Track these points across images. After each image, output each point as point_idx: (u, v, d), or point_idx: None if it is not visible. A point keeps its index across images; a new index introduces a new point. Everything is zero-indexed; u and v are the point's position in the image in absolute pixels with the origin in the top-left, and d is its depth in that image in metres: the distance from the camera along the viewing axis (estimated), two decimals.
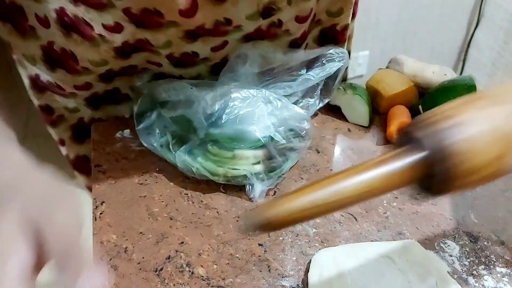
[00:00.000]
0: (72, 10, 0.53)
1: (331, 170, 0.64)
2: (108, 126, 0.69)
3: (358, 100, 0.71)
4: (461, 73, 2.12)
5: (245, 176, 0.59)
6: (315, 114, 0.72)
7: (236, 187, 0.60)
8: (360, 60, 1.90)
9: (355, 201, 0.31)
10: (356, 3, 0.71)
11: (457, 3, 1.93)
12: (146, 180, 0.61)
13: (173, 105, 0.62)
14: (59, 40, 0.57)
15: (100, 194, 0.58)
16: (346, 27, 0.70)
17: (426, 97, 0.69)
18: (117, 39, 0.56)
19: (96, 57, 0.59)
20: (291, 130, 0.62)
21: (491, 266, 0.51)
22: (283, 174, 0.61)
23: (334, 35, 0.70)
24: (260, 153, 0.60)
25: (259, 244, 0.53)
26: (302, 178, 0.62)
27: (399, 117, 0.68)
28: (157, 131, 0.62)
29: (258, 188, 0.58)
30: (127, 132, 0.68)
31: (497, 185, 0.61)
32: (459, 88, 0.64)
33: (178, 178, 0.61)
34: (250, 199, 0.59)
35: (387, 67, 0.80)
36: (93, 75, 0.62)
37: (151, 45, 0.58)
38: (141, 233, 0.54)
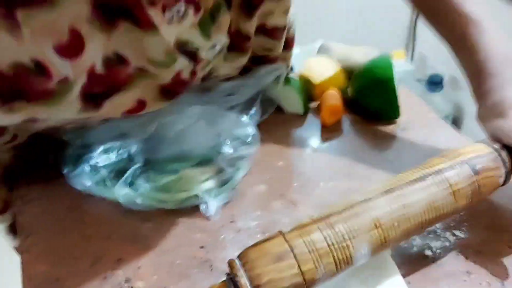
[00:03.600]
0: None
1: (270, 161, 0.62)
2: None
3: (291, 91, 0.71)
4: (412, 52, 2.18)
5: (196, 196, 0.55)
6: None
7: (188, 209, 0.56)
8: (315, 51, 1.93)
9: None
10: (291, 40, 0.73)
11: None
12: (77, 203, 0.58)
13: (104, 140, 0.59)
14: None
15: (26, 226, 0.55)
16: (278, 56, 0.71)
17: (353, 79, 0.70)
18: None
19: None
20: (237, 138, 0.60)
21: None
22: (236, 185, 0.59)
23: (267, 61, 0.70)
24: (208, 169, 0.58)
25: (200, 247, 0.51)
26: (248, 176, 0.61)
27: (330, 101, 0.68)
28: (88, 169, 0.57)
29: (213, 206, 0.55)
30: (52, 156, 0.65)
31: None
32: (377, 67, 0.66)
33: None
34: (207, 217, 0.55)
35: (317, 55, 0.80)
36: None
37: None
38: (75, 258, 0.51)
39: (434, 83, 1.90)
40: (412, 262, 0.48)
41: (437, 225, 0.52)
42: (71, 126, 0.58)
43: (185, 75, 0.53)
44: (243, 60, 0.63)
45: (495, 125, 0.50)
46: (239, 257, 0.40)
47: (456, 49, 0.56)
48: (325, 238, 0.39)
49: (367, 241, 0.40)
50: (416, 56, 2.18)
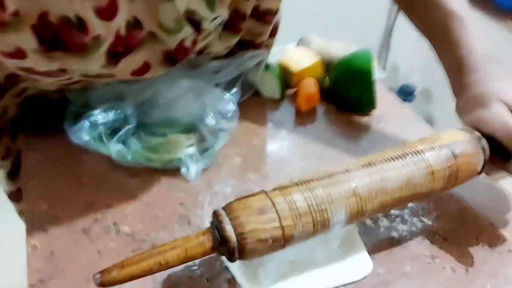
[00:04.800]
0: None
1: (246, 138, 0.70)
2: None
3: (270, 76, 0.77)
4: (385, 61, 2.22)
5: (180, 159, 0.63)
6: None
7: (172, 170, 0.63)
8: None
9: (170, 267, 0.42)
10: (276, 27, 0.78)
11: None
12: (74, 155, 0.65)
13: (103, 100, 0.65)
14: None
15: (30, 169, 0.62)
16: (263, 42, 0.76)
17: (331, 69, 0.77)
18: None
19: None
20: (219, 112, 0.67)
21: None
22: (216, 154, 0.66)
23: (251, 47, 0.75)
24: (192, 135, 0.65)
25: (180, 204, 0.59)
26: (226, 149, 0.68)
27: (307, 88, 0.75)
28: (88, 124, 0.63)
29: (194, 169, 0.62)
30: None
31: None
32: (357, 59, 0.72)
33: None
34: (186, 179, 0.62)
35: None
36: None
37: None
38: (70, 201, 0.58)
39: (405, 93, 1.94)
40: (379, 241, 0.52)
41: (405, 211, 0.56)
42: (76, 87, 0.65)
43: (188, 43, 0.59)
44: (234, 40, 0.68)
45: (475, 115, 0.52)
46: (224, 208, 0.44)
47: (437, 44, 0.61)
48: (305, 199, 0.43)
49: (344, 207, 0.43)
50: (388, 65, 2.21)
